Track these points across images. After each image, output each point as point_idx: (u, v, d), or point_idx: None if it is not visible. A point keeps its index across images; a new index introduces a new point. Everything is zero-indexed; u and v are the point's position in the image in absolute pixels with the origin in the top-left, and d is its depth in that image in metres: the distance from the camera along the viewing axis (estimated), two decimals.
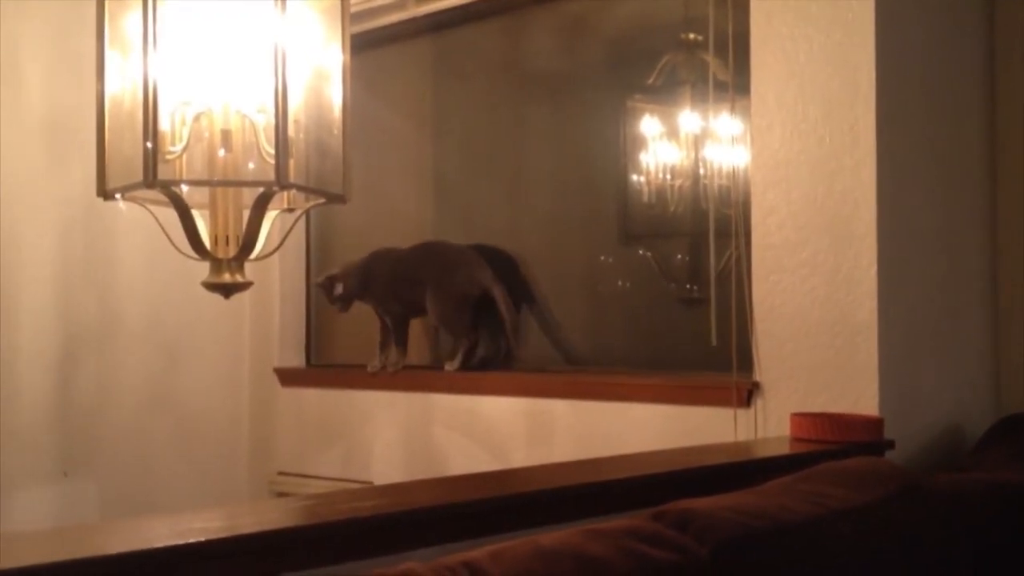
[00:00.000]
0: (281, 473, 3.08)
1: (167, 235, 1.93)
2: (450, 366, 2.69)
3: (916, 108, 2.08)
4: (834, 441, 1.84)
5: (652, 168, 2.63)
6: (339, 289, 2.76)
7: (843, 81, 1.97)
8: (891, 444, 1.88)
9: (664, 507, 1.20)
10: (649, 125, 2.64)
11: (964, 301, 2.22)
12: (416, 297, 2.72)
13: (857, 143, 1.95)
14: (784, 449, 1.88)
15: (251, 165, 1.90)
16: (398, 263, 2.77)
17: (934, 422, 2.09)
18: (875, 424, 1.88)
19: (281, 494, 3.02)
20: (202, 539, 1.08)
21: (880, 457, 1.79)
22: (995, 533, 1.63)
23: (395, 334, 2.79)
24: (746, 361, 2.13)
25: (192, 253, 1.92)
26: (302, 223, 3.12)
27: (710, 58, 2.34)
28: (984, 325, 2.26)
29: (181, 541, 1.08)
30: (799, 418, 1.91)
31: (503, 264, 2.72)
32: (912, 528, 1.47)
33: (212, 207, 1.93)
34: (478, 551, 1.05)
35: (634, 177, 2.65)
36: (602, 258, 2.71)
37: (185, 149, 1.85)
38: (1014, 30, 2.28)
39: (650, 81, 2.65)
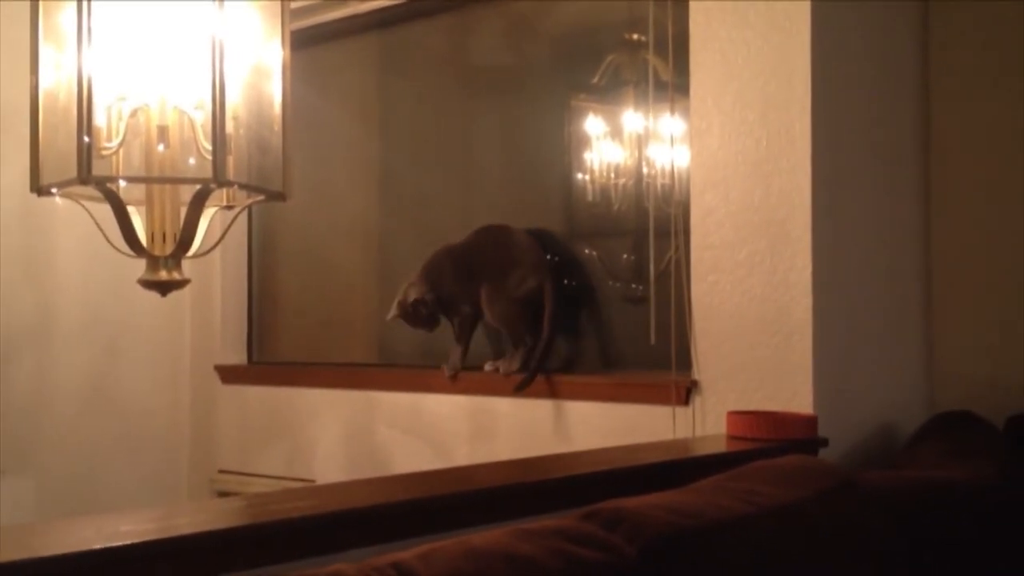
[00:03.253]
0: (222, 471, 3.06)
1: (102, 232, 1.91)
2: (505, 367, 2.49)
3: (851, 111, 2.11)
4: (769, 439, 1.86)
5: (596, 167, 2.64)
6: (423, 310, 2.57)
7: (780, 84, 2.00)
8: (825, 442, 1.90)
9: (595, 506, 1.20)
10: (593, 124, 2.65)
11: (898, 301, 2.26)
12: (478, 293, 2.55)
13: (793, 145, 1.98)
14: (720, 447, 1.90)
15: (191, 161, 1.89)
16: (458, 259, 2.60)
17: (868, 420, 2.13)
18: (809, 422, 1.91)
19: (223, 493, 3.00)
20: (128, 542, 1.07)
21: (813, 455, 1.81)
22: (926, 530, 1.66)
23: (461, 333, 2.60)
24: (686, 360, 2.15)
25: (128, 250, 1.89)
26: (243, 220, 3.10)
27: (651, 58, 2.36)
28: (918, 325, 2.30)
29: (108, 544, 1.06)
30: (735, 416, 1.94)
31: (562, 256, 2.58)
32: (843, 525, 1.49)
33: (149, 204, 1.90)
34: (408, 552, 1.05)
35: (578, 176, 2.66)
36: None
37: (121, 145, 1.83)
38: (948, 35, 2.32)
39: (594, 80, 2.67)
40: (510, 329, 2.50)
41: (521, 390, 2.41)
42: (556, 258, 2.54)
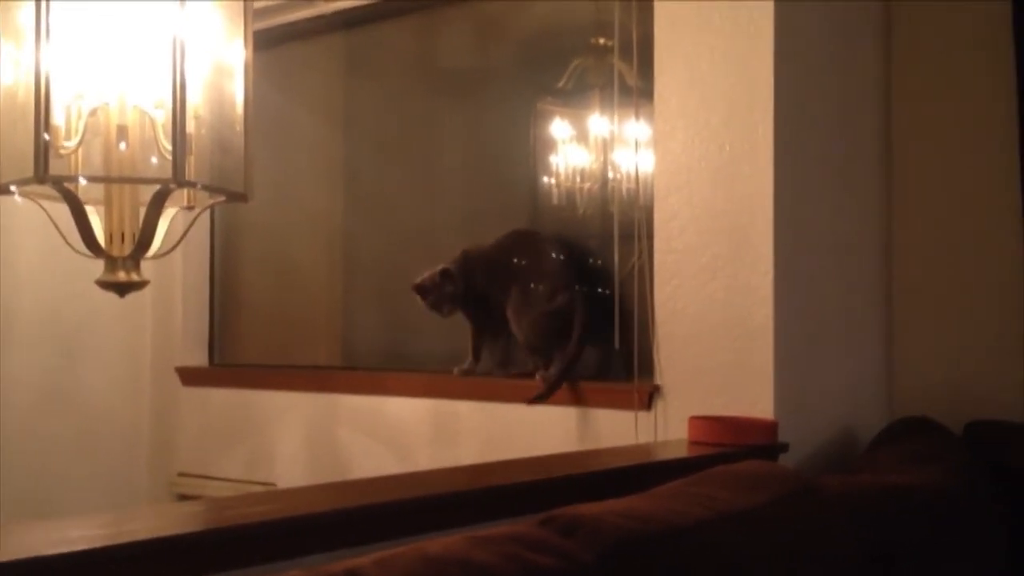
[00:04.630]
0: (182, 474, 3.02)
1: (60, 232, 1.89)
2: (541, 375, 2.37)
3: (814, 117, 2.12)
4: (730, 444, 1.87)
5: (562, 170, 2.64)
6: (448, 287, 2.46)
7: (743, 89, 2.00)
8: (785, 447, 1.91)
9: (552, 512, 1.20)
10: (559, 128, 2.65)
11: (859, 306, 2.27)
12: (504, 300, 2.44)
13: (756, 151, 1.98)
14: (682, 452, 1.90)
15: (154, 160, 1.87)
16: (490, 261, 2.50)
17: (828, 425, 2.14)
18: (769, 427, 1.92)
19: (182, 496, 2.97)
20: (78, 548, 1.05)
21: (772, 460, 1.82)
22: (884, 535, 1.66)
23: (494, 338, 2.50)
24: (649, 364, 2.15)
25: (86, 250, 1.87)
26: (206, 221, 3.08)
27: (617, 62, 2.36)
28: (878, 330, 2.31)
29: (56, 551, 1.05)
30: (697, 421, 1.94)
31: (590, 266, 2.47)
32: (801, 531, 1.49)
33: (107, 204, 1.88)
34: (363, 558, 1.04)
35: (544, 179, 2.66)
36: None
37: (80, 144, 1.81)
38: (910, 40, 2.34)
39: (560, 84, 2.67)
40: (539, 342, 2.39)
41: (538, 402, 2.31)
42: (586, 268, 2.45)
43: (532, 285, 2.41)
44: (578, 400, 2.28)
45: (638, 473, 1.69)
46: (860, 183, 2.29)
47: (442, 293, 2.46)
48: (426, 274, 2.49)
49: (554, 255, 2.43)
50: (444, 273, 2.46)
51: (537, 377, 2.36)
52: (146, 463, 3.10)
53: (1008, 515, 1.92)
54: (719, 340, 2.03)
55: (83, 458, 2.96)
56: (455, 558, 1.06)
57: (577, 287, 2.37)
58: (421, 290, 2.49)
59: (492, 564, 1.05)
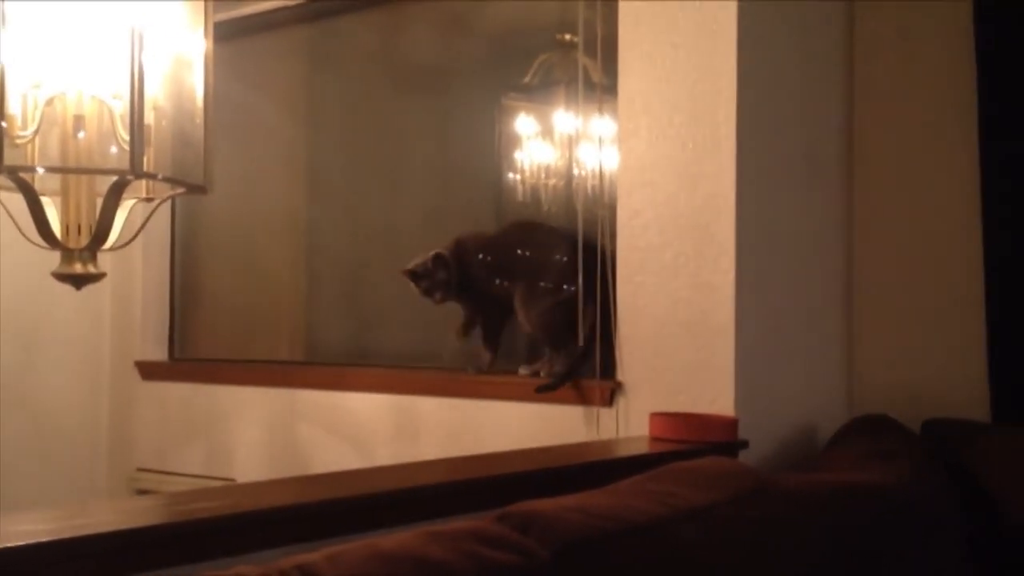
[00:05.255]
0: (141, 469, 2.99)
1: (15, 223, 1.86)
2: (524, 369, 2.35)
3: (777, 115, 2.13)
4: (691, 440, 1.87)
5: (527, 167, 2.64)
6: (442, 273, 2.38)
7: (707, 88, 2.00)
8: (745, 444, 1.92)
9: (508, 508, 1.19)
10: (524, 124, 2.65)
11: (820, 304, 2.28)
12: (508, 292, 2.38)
13: (719, 149, 1.99)
14: (642, 448, 1.90)
15: (113, 151, 1.85)
16: (488, 250, 2.43)
17: (788, 422, 2.15)
18: (730, 424, 1.92)
19: (141, 491, 2.94)
20: (25, 543, 1.03)
21: (732, 457, 1.82)
22: (841, 532, 1.67)
23: (488, 332, 2.44)
24: (611, 361, 2.15)
25: (42, 242, 1.85)
26: (166, 214, 3.05)
27: (582, 59, 2.36)
28: (839, 328, 2.33)
29: (3, 545, 1.03)
30: (658, 418, 1.94)
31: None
32: (758, 528, 1.49)
33: (64, 195, 1.86)
34: (314, 553, 1.03)
35: (509, 175, 2.65)
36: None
37: (36, 134, 1.79)
38: (872, 39, 2.35)
39: (526, 80, 2.66)
40: (548, 333, 2.32)
41: (543, 392, 2.23)
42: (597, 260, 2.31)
43: (541, 276, 2.35)
44: (539, 396, 2.27)
45: (598, 469, 1.68)
46: (822, 182, 2.30)
47: (436, 280, 2.39)
48: (418, 259, 2.42)
49: (563, 246, 2.36)
50: (437, 258, 2.39)
51: (520, 371, 2.35)
52: (105, 458, 3.07)
53: (964, 513, 1.94)
54: (681, 338, 2.03)
55: (40, 453, 2.92)
56: (409, 554, 1.05)
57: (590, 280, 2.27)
58: (414, 276, 2.42)
59: (446, 560, 1.05)
